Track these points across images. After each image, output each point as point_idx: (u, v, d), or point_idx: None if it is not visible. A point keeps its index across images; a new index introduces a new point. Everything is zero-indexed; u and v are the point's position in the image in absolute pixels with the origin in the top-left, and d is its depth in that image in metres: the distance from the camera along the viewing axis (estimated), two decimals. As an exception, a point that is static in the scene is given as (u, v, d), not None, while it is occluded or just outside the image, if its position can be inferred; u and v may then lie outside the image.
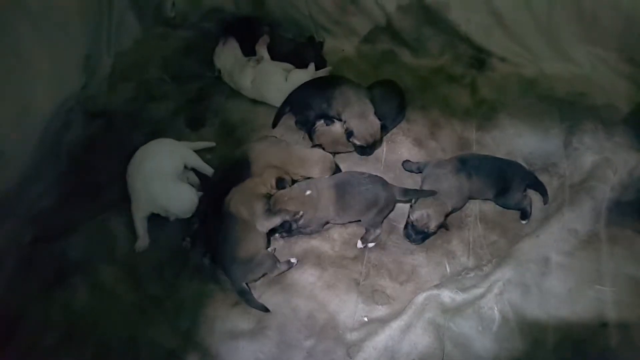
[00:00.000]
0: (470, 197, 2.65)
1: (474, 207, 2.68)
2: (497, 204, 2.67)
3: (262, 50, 3.40)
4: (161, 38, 3.82)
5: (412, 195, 2.51)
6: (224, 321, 2.35)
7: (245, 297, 2.38)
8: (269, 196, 2.51)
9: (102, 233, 2.68)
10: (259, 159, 2.65)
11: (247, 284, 2.42)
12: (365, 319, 2.33)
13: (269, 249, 2.53)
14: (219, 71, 3.44)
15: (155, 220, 2.72)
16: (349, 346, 2.23)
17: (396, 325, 2.22)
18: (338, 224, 2.64)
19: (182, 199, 2.63)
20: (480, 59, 3.39)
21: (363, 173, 2.56)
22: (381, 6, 3.37)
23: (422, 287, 2.39)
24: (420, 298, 2.28)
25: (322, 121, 3.01)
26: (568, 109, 3.01)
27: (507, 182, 2.58)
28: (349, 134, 2.83)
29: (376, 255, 2.53)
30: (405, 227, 2.54)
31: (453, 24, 3.33)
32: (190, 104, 3.34)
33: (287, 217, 2.43)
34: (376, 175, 2.56)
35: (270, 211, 2.44)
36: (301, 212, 2.45)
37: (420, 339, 2.19)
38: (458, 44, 3.43)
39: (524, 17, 3.18)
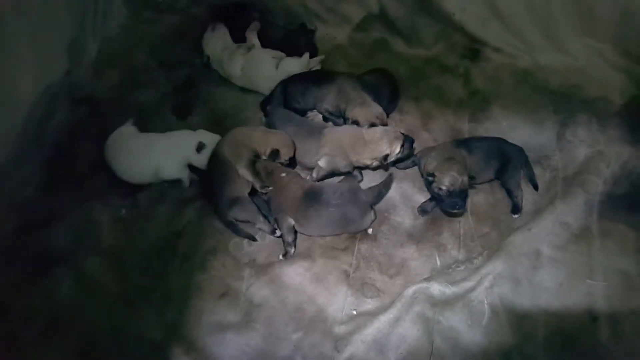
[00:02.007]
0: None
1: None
2: (499, 180, 2.64)
3: (253, 37, 3.33)
4: (149, 23, 3.73)
5: (382, 192, 2.48)
6: (211, 313, 2.32)
7: (232, 228, 2.54)
8: (256, 156, 2.60)
9: (87, 222, 2.63)
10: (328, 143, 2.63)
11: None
12: (354, 312, 2.30)
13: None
14: (208, 58, 3.36)
15: (144, 210, 2.69)
16: (337, 339, 2.21)
17: (385, 318, 2.20)
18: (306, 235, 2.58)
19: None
20: (474, 49, 3.35)
21: (338, 189, 2.45)
22: (375, -6, 3.31)
23: (412, 280, 2.37)
24: (410, 291, 2.25)
25: (314, 112, 2.99)
26: (562, 101, 2.98)
27: (507, 159, 2.57)
28: (355, 123, 2.77)
29: (367, 247, 2.49)
30: (440, 200, 2.43)
31: (447, 13, 3.28)
32: (178, 91, 3.28)
33: (257, 183, 2.52)
34: (354, 192, 2.46)
35: (252, 165, 2.54)
36: (270, 187, 2.50)
37: (409, 332, 2.17)
38: (452, 34, 3.39)
39: (520, 8, 3.15)
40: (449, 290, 2.24)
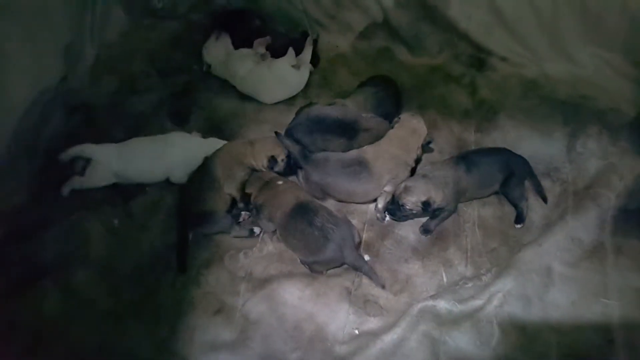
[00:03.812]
0: (474, 197, 2.54)
1: (472, 212, 2.54)
2: (502, 194, 2.55)
3: (261, 50, 3.27)
4: (148, 30, 3.67)
5: (364, 268, 2.27)
6: (205, 331, 2.20)
7: (180, 247, 2.42)
8: (251, 170, 2.53)
9: (78, 233, 2.52)
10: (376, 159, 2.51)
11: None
12: (356, 332, 2.18)
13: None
14: (209, 66, 3.30)
15: (137, 220, 2.61)
16: (338, 360, 2.08)
17: (389, 338, 2.08)
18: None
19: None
20: (480, 58, 3.27)
21: (333, 216, 2.30)
22: (378, 1, 3.23)
23: (417, 297, 2.25)
24: (415, 309, 2.14)
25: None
26: (571, 112, 2.89)
27: (511, 171, 2.48)
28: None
29: (370, 262, 2.37)
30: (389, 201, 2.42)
31: (452, 21, 3.20)
32: (175, 97, 3.19)
33: (242, 203, 2.49)
34: (345, 224, 2.31)
35: (243, 187, 2.49)
36: (254, 194, 2.42)
37: (414, 353, 2.05)
38: (457, 43, 3.31)
39: (527, 16, 3.06)
40: (457, 308, 2.12)
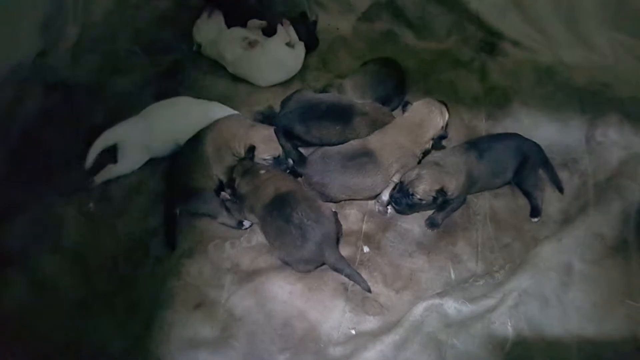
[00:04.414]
0: (486, 187, 2.33)
1: (484, 203, 2.33)
2: (514, 183, 2.36)
3: (257, 35, 3.04)
4: (135, 8, 3.42)
5: (346, 270, 2.06)
6: (183, 327, 1.99)
7: (168, 225, 2.26)
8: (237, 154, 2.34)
9: (48, 218, 2.33)
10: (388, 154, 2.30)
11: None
12: (353, 332, 1.97)
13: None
14: (199, 46, 3.10)
15: (115, 204, 2.41)
16: (332, 363, 1.86)
17: (389, 340, 1.87)
18: None
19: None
20: (491, 42, 3.06)
21: (315, 209, 2.07)
22: (383, -23, 3.04)
23: (422, 295, 2.03)
24: (420, 309, 1.93)
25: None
26: (589, 100, 2.68)
27: (524, 158, 2.30)
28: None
29: (369, 255, 2.16)
30: (394, 188, 2.22)
31: (462, 2, 3.00)
32: (161, 77, 2.98)
33: (228, 188, 2.28)
34: (328, 219, 2.08)
35: (230, 172, 2.30)
36: (237, 182, 2.23)
37: (418, 357, 1.84)
38: (467, 25, 3.11)
39: (542, -4, 2.85)
40: (466, 308, 1.91)
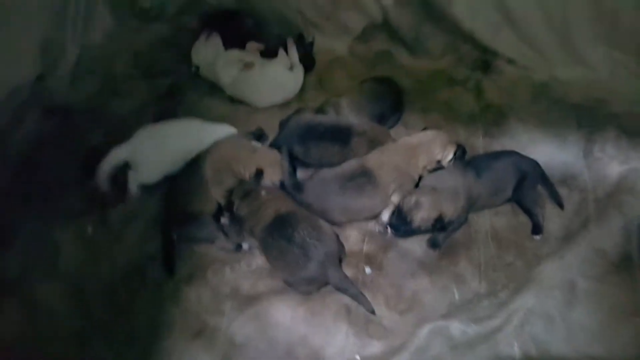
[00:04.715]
0: (486, 205, 2.31)
1: (484, 222, 2.31)
2: (514, 200, 2.34)
3: (255, 57, 3.05)
4: (134, 32, 3.48)
5: (350, 290, 2.02)
6: (183, 355, 1.95)
7: (166, 250, 2.21)
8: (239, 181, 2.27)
9: (45, 244, 2.30)
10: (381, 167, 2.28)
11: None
12: (357, 357, 1.92)
13: None
14: (197, 68, 3.10)
15: (114, 228, 2.38)
16: (336, 389, 1.82)
17: (395, 364, 1.81)
18: None
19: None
20: (485, 60, 3.07)
21: (317, 228, 2.05)
22: (377, -1, 3.05)
23: (426, 317, 1.99)
24: (424, 331, 1.89)
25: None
26: (586, 116, 2.69)
27: (523, 175, 2.28)
28: None
29: (371, 276, 2.13)
30: (392, 213, 2.19)
31: (456, 21, 3.00)
32: (160, 100, 2.98)
33: (226, 212, 2.25)
34: (330, 238, 2.06)
35: (229, 195, 2.24)
36: (236, 204, 2.20)
37: (424, 381, 1.80)
38: (461, 45, 3.12)
39: (535, 15, 2.87)
40: (472, 329, 1.87)
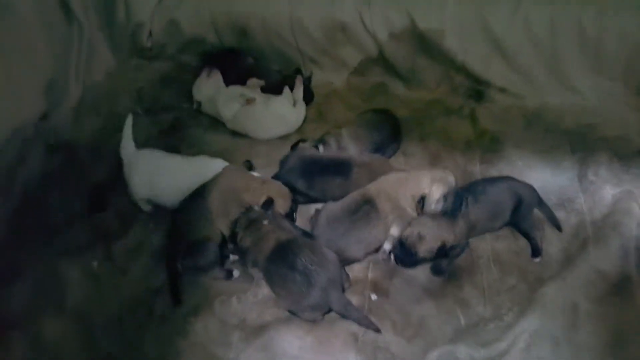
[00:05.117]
0: (485, 230, 2.35)
1: (486, 246, 2.35)
2: (512, 225, 2.39)
3: (256, 92, 3.14)
4: (136, 70, 3.55)
5: (354, 315, 2.05)
6: (192, 390, 1.93)
7: (172, 281, 2.23)
8: (248, 208, 2.25)
9: (51, 279, 2.29)
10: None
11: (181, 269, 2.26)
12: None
13: None
14: (199, 104, 3.19)
15: (119, 262, 2.39)
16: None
17: (405, 391, 1.82)
18: None
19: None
20: (478, 90, 3.19)
21: (319, 254, 2.07)
22: (372, 34, 3.17)
23: (433, 342, 1.99)
24: (433, 356, 1.90)
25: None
26: (578, 141, 2.78)
27: (519, 199, 2.33)
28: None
29: (377, 303, 2.15)
30: (395, 245, 2.22)
31: (449, 54, 3.13)
32: (163, 135, 3.04)
33: (229, 242, 2.28)
34: (333, 263, 2.08)
35: (234, 225, 2.24)
36: (240, 235, 2.19)
37: (434, 407, 1.80)
38: (454, 76, 3.23)
39: (525, 46, 3.01)
40: (479, 353, 1.88)
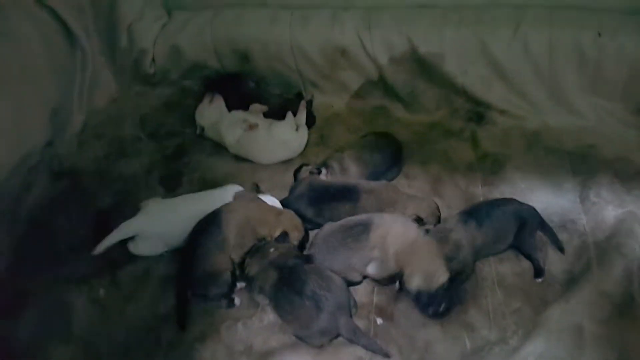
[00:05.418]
0: (489, 253, 2.37)
1: (490, 269, 2.35)
2: (515, 246, 2.40)
3: (258, 118, 3.18)
4: (139, 96, 3.62)
5: (362, 340, 2.04)
6: (200, 417, 1.92)
7: (181, 307, 2.23)
8: (261, 239, 2.30)
9: (58, 307, 2.31)
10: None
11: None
12: (374, 410, 1.91)
13: None
14: (202, 129, 3.23)
15: (125, 289, 2.40)
16: None
17: (412, 417, 1.82)
18: None
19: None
20: (478, 112, 3.21)
21: (326, 278, 2.09)
22: (373, 59, 3.22)
23: (440, 367, 2.00)
24: (440, 381, 1.89)
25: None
26: (579, 162, 2.80)
27: (523, 221, 2.35)
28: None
29: (383, 328, 2.15)
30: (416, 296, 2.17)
31: (448, 77, 3.17)
32: (167, 161, 3.07)
33: (238, 271, 2.29)
34: (340, 287, 2.10)
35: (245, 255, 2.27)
36: (247, 262, 2.23)
37: None
38: (454, 98, 3.26)
39: (524, 68, 3.05)
40: (486, 378, 1.88)
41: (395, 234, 2.23)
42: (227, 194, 2.56)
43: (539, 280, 2.30)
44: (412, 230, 2.25)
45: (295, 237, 2.35)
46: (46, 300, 2.33)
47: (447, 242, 2.22)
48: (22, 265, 2.50)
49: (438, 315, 2.17)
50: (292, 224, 2.38)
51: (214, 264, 2.27)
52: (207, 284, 2.26)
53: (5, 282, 2.40)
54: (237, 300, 2.29)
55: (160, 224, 2.46)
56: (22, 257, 2.53)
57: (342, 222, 2.35)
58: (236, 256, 2.31)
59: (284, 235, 2.31)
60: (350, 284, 2.28)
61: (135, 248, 2.49)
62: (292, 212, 2.46)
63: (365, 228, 2.26)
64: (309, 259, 2.26)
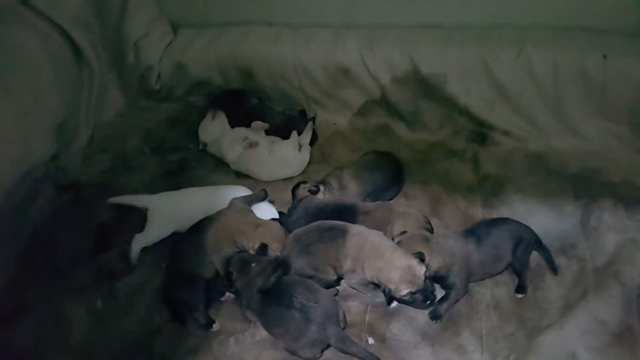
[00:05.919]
0: (488, 273, 2.35)
1: (485, 292, 2.33)
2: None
3: (260, 135, 3.21)
4: (144, 111, 3.66)
5: (352, 348, 2.05)
6: None
7: (173, 309, 2.31)
8: (242, 249, 2.36)
9: (56, 318, 2.35)
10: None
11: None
12: None
13: None
14: (205, 145, 3.26)
15: (122, 301, 2.44)
16: None
17: None
18: None
19: None
20: (481, 133, 3.20)
21: (313, 290, 2.11)
22: (375, 78, 3.23)
23: (429, 390, 1.98)
24: (429, 404, 1.87)
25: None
26: (582, 186, 2.76)
27: (519, 240, 2.36)
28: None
29: (374, 349, 2.13)
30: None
31: (451, 97, 3.16)
32: (169, 175, 3.11)
33: (224, 281, 2.32)
34: (327, 298, 2.12)
35: (226, 263, 2.32)
36: (234, 275, 2.24)
37: None
38: (457, 118, 3.25)
39: (528, 89, 3.03)
40: (475, 403, 1.85)
41: (370, 246, 2.23)
42: (232, 192, 2.68)
43: (519, 296, 2.29)
44: (385, 243, 2.25)
45: (275, 248, 2.35)
46: (45, 311, 2.37)
47: (442, 250, 2.23)
48: (24, 276, 2.53)
49: (437, 317, 2.22)
50: (271, 235, 2.37)
51: (193, 267, 2.34)
52: (181, 284, 2.32)
53: (7, 293, 2.44)
54: (215, 327, 2.28)
55: (169, 203, 2.67)
56: (24, 268, 2.56)
57: (317, 223, 2.39)
58: (216, 262, 2.36)
59: (264, 247, 2.32)
60: (327, 285, 2.29)
61: (136, 246, 2.58)
62: (276, 224, 2.47)
63: (342, 233, 2.28)
64: (284, 264, 2.26)
